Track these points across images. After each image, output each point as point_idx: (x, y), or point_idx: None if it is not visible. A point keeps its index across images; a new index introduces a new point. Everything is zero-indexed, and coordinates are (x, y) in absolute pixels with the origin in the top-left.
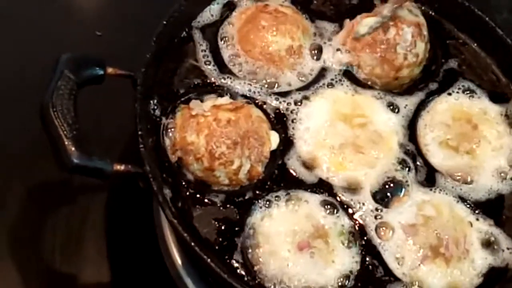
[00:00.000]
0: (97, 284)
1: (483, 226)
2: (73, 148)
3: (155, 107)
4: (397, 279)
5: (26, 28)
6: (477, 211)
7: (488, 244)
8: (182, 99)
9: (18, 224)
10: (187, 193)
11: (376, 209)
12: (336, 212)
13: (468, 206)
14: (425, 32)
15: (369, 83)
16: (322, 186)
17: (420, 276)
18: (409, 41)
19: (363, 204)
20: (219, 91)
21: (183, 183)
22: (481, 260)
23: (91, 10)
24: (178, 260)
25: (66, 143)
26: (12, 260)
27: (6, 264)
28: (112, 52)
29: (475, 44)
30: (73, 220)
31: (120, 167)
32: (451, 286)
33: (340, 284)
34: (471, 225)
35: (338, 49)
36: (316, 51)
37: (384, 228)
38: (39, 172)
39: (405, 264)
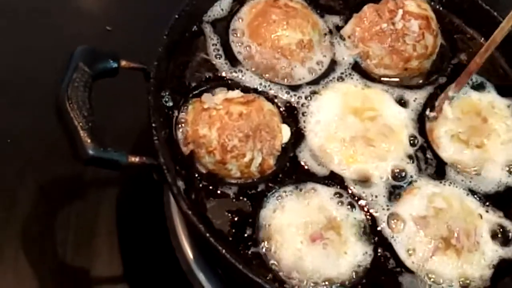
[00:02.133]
0: (110, 278)
1: (493, 218)
2: (88, 140)
3: (167, 100)
4: (408, 271)
5: (38, 24)
6: (486, 204)
7: (498, 236)
8: (194, 92)
9: (30, 220)
10: (200, 185)
11: (387, 201)
12: (348, 204)
13: (477, 198)
14: (434, 26)
15: (378, 76)
16: (334, 179)
17: (431, 268)
18: (416, 33)
19: (375, 196)
20: (230, 84)
21: (196, 175)
22: (492, 252)
23: (102, 6)
24: (190, 253)
25: (82, 135)
26: (25, 256)
27: (19, 260)
28: (122, 46)
29: (483, 39)
30: (84, 215)
31: (135, 159)
32: (462, 277)
33: (352, 275)
34: (481, 217)
35: (347, 41)
36: (326, 45)
37: (395, 220)
38: (50, 167)
39: (416, 255)
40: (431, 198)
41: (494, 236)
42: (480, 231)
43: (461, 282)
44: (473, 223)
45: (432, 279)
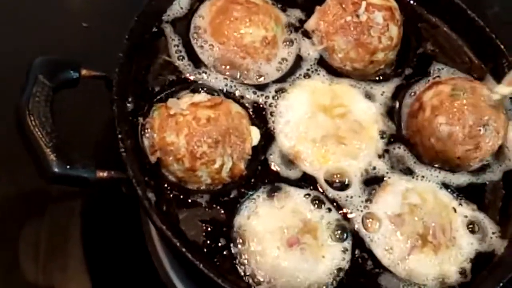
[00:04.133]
0: None
1: (467, 211)
2: (54, 158)
3: (131, 107)
4: (387, 270)
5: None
6: (460, 196)
7: (473, 229)
8: (158, 97)
9: None
10: (171, 195)
11: (362, 201)
12: (322, 206)
13: (450, 191)
14: (398, 16)
15: (344, 70)
16: (306, 180)
17: (409, 266)
18: (381, 24)
19: (350, 197)
20: (195, 86)
21: (166, 185)
22: (468, 245)
23: (80, 2)
24: (166, 261)
25: (46, 152)
26: None
27: None
28: (97, 44)
29: (447, 26)
30: (53, 228)
31: (103, 174)
32: (441, 273)
33: (331, 279)
34: (455, 210)
35: (311, 35)
36: (289, 41)
37: (370, 219)
38: (16, 182)
39: (393, 254)
40: (405, 194)
41: (469, 229)
42: (456, 226)
43: (440, 279)
44: (448, 217)
45: (411, 278)
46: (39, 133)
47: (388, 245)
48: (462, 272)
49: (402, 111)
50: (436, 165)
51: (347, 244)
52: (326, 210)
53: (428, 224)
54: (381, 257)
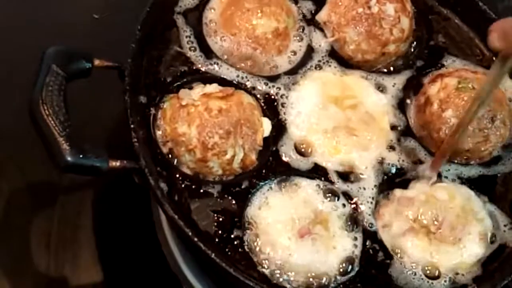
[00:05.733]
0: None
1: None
2: (67, 147)
3: (143, 98)
4: (398, 262)
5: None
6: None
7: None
8: (170, 87)
9: (6, 228)
10: (183, 186)
11: (373, 192)
12: (334, 197)
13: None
14: (409, 8)
15: (356, 62)
16: (318, 171)
17: (401, 244)
18: (392, 16)
19: (362, 188)
20: (207, 77)
21: (178, 175)
22: (475, 251)
23: None
24: (177, 251)
25: (60, 141)
26: (1, 268)
27: None
28: (108, 36)
29: (458, 18)
30: (64, 219)
31: (116, 164)
32: (429, 264)
33: (342, 270)
34: (478, 220)
35: (322, 27)
36: (301, 32)
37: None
38: (27, 173)
39: (391, 231)
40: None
41: (482, 239)
42: (469, 230)
43: (427, 269)
44: (465, 219)
45: (399, 255)
46: (52, 122)
47: (389, 222)
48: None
49: (410, 104)
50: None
51: (358, 235)
52: (338, 201)
53: (439, 217)
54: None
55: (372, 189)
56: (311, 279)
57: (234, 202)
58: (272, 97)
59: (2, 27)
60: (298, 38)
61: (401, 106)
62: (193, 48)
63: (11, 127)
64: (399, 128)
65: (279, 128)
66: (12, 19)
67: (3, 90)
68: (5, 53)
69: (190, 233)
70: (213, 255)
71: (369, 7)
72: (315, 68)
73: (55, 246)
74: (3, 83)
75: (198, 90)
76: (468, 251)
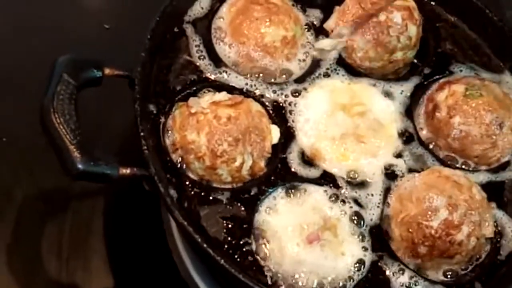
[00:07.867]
0: None
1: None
2: (78, 155)
3: (153, 106)
4: (407, 268)
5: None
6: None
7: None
8: (179, 96)
9: (18, 235)
10: (192, 193)
11: (382, 199)
12: (342, 204)
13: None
14: (416, 16)
15: (364, 69)
16: (326, 178)
17: None
18: (400, 24)
19: (370, 195)
20: (216, 86)
21: (187, 182)
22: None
23: (102, 3)
24: (187, 258)
25: (71, 149)
26: (13, 274)
27: (7, 278)
28: (118, 45)
29: (465, 26)
30: (75, 226)
31: (126, 171)
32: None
33: (351, 276)
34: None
35: (330, 35)
36: (309, 40)
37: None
38: (38, 180)
39: None
40: None
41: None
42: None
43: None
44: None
45: None
46: (63, 130)
47: None
48: None
49: (418, 111)
50: (456, 165)
51: (367, 241)
52: (346, 207)
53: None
54: None
55: (380, 195)
56: (319, 285)
57: (243, 208)
58: (281, 104)
59: (15, 36)
60: (306, 46)
61: (409, 113)
62: (202, 57)
63: (23, 134)
64: (407, 135)
65: (288, 135)
66: (24, 29)
67: (16, 98)
68: (18, 61)
69: (199, 240)
70: (222, 261)
71: (377, 15)
72: (323, 76)
73: (67, 252)
74: (16, 91)
75: (207, 98)
76: None
